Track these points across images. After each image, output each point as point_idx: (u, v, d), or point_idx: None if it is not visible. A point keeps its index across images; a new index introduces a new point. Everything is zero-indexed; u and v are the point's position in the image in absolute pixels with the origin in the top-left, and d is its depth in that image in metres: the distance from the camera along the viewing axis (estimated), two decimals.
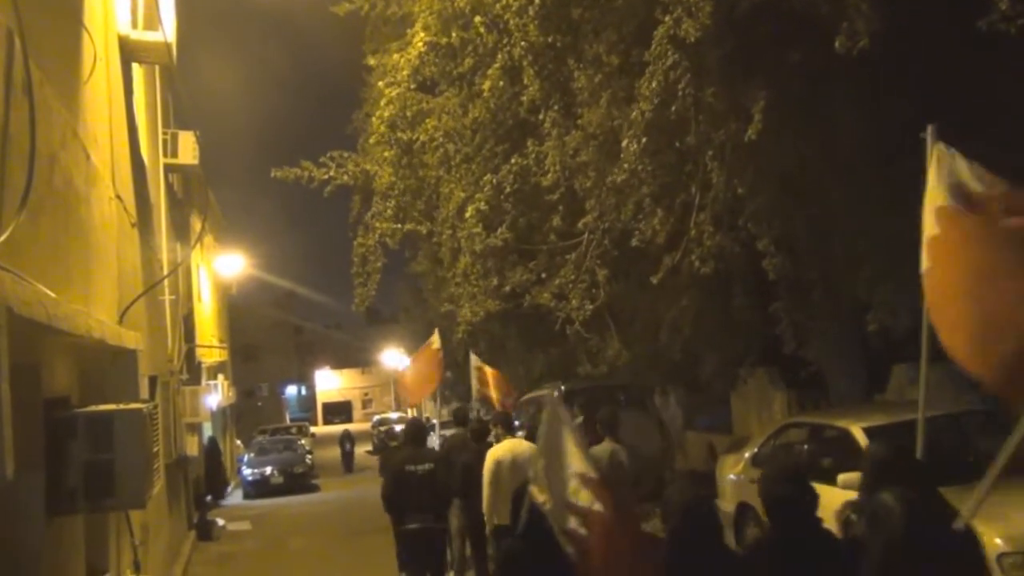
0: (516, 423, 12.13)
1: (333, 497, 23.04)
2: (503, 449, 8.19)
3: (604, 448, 8.05)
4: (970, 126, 7.97)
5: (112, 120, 7.89)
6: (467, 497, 8.53)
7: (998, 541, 6.51)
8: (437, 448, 11.07)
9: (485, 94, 11.32)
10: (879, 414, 8.65)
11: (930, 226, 4.15)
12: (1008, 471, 7.40)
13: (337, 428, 39.61)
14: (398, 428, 13.25)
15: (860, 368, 11.73)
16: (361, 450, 31.62)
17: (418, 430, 8.92)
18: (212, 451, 22.25)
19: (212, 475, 21.87)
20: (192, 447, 14.20)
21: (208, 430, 21.69)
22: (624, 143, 8.99)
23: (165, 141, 12.51)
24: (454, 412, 12.53)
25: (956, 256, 3.94)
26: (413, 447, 8.40)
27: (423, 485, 7.80)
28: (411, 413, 34.25)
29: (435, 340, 12.67)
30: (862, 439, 7.89)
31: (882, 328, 9.41)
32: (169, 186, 13.52)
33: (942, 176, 4.18)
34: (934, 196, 4.17)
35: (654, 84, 8.42)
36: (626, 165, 8.95)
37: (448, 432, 13.33)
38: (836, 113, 8.63)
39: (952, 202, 4.01)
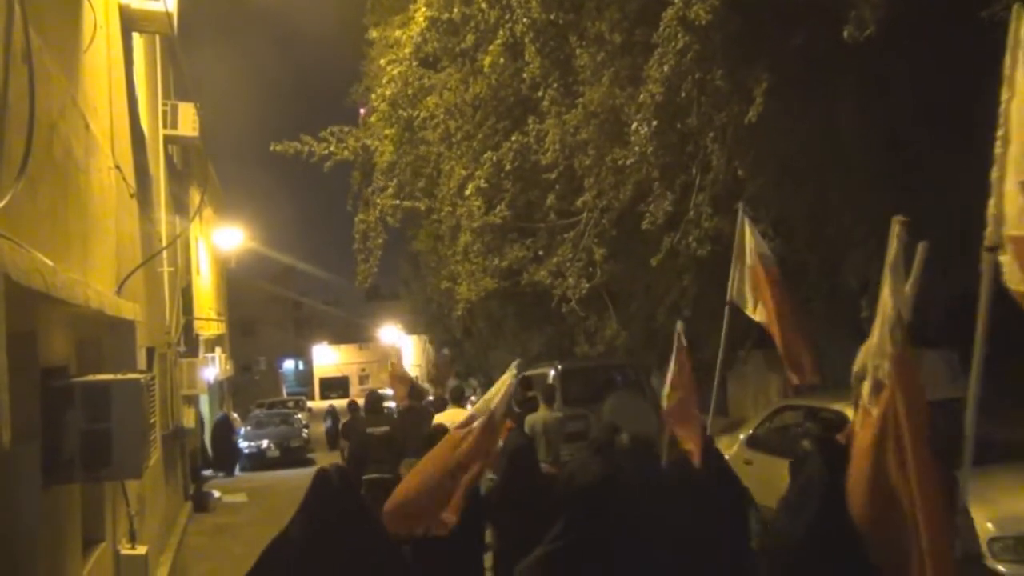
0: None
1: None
2: (444, 416, 9.43)
3: (540, 415, 9.66)
4: (970, 115, 7.99)
5: (112, 90, 7.86)
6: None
7: (989, 525, 6.56)
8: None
9: (486, 70, 11.28)
10: None
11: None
12: (998, 457, 7.47)
13: (337, 403, 39.62)
14: (393, 405, 13.56)
15: (855, 352, 11.74)
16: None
17: (377, 400, 11.59)
18: (224, 426, 22.34)
19: (223, 450, 21.94)
20: (189, 419, 14.25)
21: (205, 403, 21.75)
22: (634, 126, 8.97)
23: (165, 112, 12.45)
24: (451, 391, 12.73)
25: None
26: (372, 415, 11.05)
27: (380, 444, 9.64)
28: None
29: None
30: None
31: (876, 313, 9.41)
32: (168, 158, 13.48)
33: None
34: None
35: (665, 68, 8.39)
36: (637, 148, 8.93)
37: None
38: (837, 97, 8.61)
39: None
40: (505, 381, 5.68)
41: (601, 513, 3.92)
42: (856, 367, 4.03)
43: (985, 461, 7.56)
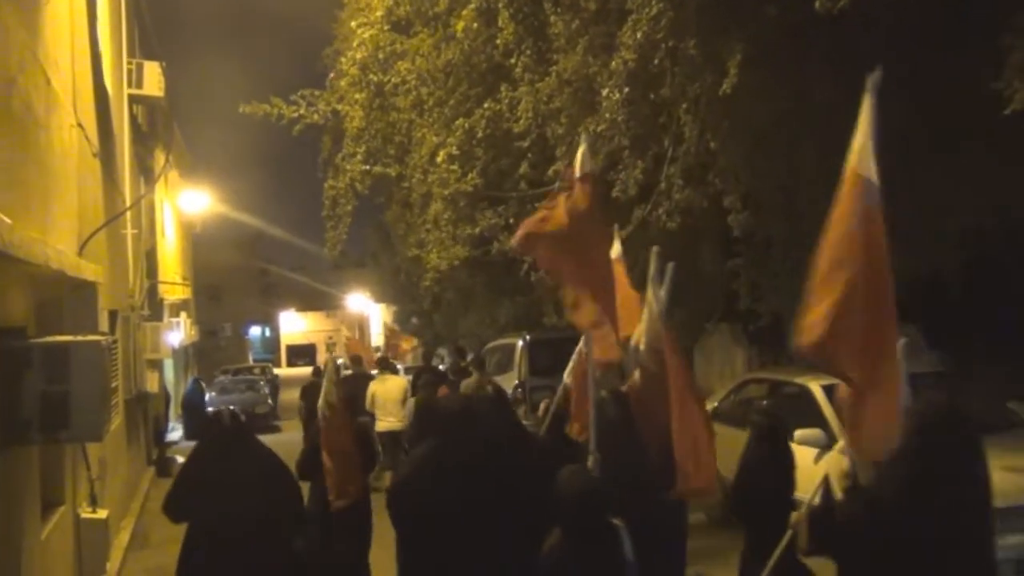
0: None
1: (294, 439, 23.02)
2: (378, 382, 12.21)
3: (471, 381, 11.00)
4: (944, 92, 8.03)
5: (74, 45, 7.65)
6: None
7: None
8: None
9: (459, 35, 11.14)
10: None
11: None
12: None
13: (302, 371, 39.32)
14: (374, 372, 13.92)
15: None
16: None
17: (335, 368, 12.02)
18: (195, 392, 22.06)
19: (194, 416, 21.63)
20: (153, 384, 14.08)
21: (170, 368, 21.50)
22: (605, 92, 8.90)
23: (130, 71, 12.18)
24: (473, 360, 13.02)
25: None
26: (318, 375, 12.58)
27: None
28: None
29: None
30: (821, 396, 8.02)
31: None
32: (133, 118, 13.21)
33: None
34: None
35: (638, 35, 8.33)
36: (607, 115, 8.88)
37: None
38: (810, 70, 8.60)
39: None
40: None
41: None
42: (633, 341, 5.09)
43: None
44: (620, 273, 5.89)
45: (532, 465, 4.26)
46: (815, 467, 7.69)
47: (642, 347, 4.94)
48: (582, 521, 3.63)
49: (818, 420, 7.88)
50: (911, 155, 8.22)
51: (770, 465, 5.34)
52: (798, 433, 7.46)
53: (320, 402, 6.43)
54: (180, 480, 5.07)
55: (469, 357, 13.78)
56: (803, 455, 6.88)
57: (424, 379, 11.03)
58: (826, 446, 7.73)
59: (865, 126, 4.10)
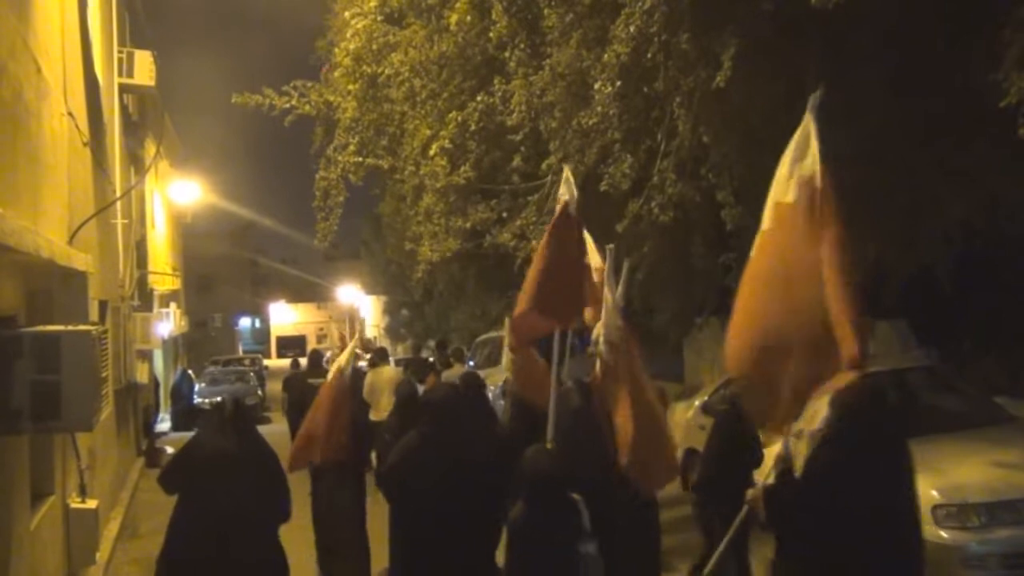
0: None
1: (284, 429, 22.98)
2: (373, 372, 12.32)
3: (455, 371, 11.64)
4: (936, 81, 8.04)
5: (65, 33, 7.61)
6: None
7: (933, 493, 6.70)
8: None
9: (453, 28, 11.10)
10: None
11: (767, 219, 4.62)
12: (942, 428, 7.65)
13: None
14: (362, 364, 14.13)
15: None
16: None
17: (318, 357, 14.04)
18: (183, 383, 22.01)
19: (182, 407, 21.58)
20: (142, 374, 14.06)
21: (159, 358, 21.43)
22: (597, 86, 8.88)
23: (120, 60, 12.12)
24: (453, 352, 13.90)
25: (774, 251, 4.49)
26: (312, 369, 13.26)
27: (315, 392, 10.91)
28: None
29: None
30: None
31: None
32: (124, 107, 13.15)
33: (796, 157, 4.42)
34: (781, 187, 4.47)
35: (631, 28, 8.31)
36: (599, 108, 8.86)
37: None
38: (804, 65, 8.60)
39: (793, 198, 4.31)
40: None
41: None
42: (594, 336, 5.42)
43: (933, 430, 7.77)
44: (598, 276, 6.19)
45: (499, 447, 5.13)
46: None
47: (601, 341, 5.25)
48: (542, 494, 4.11)
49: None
50: (902, 150, 8.25)
51: (733, 449, 6.12)
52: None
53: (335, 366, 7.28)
54: (179, 455, 5.33)
55: (449, 350, 14.10)
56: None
57: (411, 370, 11.81)
58: None
59: (800, 147, 4.42)
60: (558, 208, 5.85)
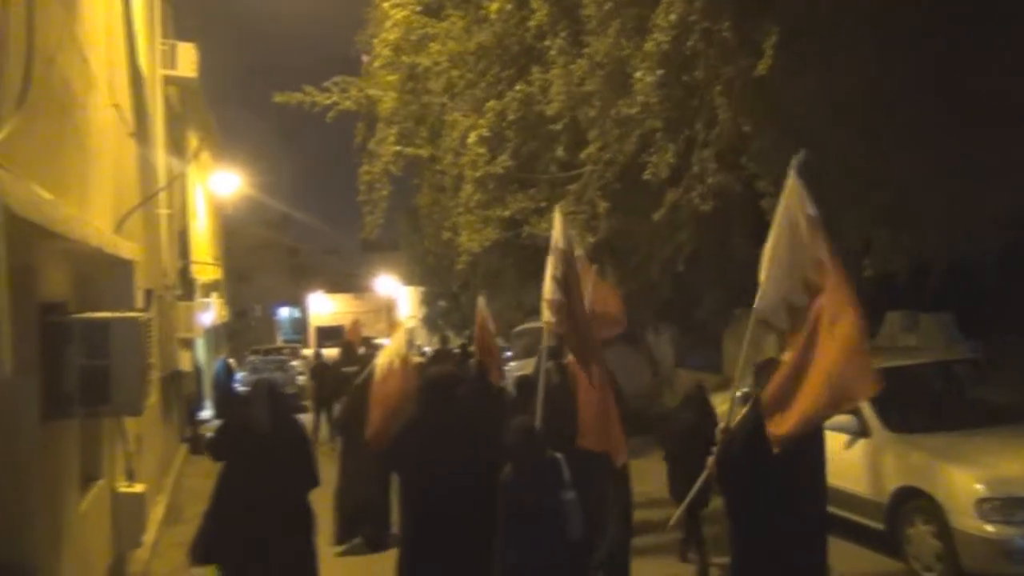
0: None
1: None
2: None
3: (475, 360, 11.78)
4: (980, 76, 7.89)
5: (110, 26, 7.73)
6: None
7: (978, 486, 6.62)
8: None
9: (492, 18, 11.09)
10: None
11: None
12: (988, 421, 7.57)
13: (330, 352, 39.49)
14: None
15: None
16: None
17: (351, 348, 14.77)
18: (225, 373, 22.31)
19: (225, 396, 21.86)
20: (185, 362, 14.27)
21: (201, 347, 21.73)
22: (638, 75, 8.85)
23: (164, 52, 12.29)
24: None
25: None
26: (346, 358, 14.09)
27: (349, 380, 10.95)
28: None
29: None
30: None
31: (878, 274, 9.41)
32: (166, 99, 13.33)
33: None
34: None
35: (672, 16, 8.27)
36: (640, 97, 8.82)
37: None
38: (845, 53, 8.49)
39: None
40: None
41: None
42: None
43: (978, 424, 7.65)
44: (586, 270, 7.03)
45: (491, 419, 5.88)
46: (846, 452, 7.66)
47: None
48: (527, 457, 4.71)
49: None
50: (946, 137, 8.11)
51: (697, 421, 7.43)
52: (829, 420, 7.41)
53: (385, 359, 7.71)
54: (224, 427, 6.09)
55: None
56: (834, 441, 6.83)
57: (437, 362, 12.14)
58: (858, 433, 7.69)
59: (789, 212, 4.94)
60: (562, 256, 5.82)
